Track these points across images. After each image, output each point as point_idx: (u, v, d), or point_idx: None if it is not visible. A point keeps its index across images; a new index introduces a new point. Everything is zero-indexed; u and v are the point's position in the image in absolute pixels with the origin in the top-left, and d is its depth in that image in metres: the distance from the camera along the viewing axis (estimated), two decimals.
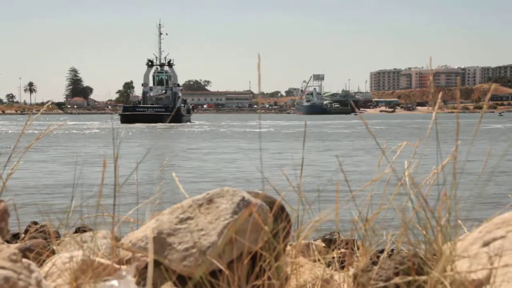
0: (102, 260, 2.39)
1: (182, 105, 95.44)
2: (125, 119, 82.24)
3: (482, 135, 47.55)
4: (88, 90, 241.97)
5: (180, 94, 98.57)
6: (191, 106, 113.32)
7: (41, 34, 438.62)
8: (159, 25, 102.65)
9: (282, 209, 2.68)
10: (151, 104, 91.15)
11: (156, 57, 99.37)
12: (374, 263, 2.11)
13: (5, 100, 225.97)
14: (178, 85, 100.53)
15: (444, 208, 1.79)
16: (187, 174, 18.93)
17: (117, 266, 2.37)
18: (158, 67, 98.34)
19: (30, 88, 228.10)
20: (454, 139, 2.08)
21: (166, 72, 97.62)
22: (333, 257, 3.09)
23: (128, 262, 2.56)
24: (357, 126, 71.98)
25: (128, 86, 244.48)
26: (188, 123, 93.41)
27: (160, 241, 2.24)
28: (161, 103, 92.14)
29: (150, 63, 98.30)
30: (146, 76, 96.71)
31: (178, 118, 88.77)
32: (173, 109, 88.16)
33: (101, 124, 79.71)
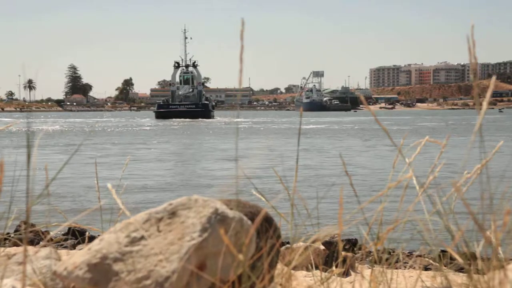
0: None
1: (207, 102, 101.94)
2: (160, 115, 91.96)
3: (503, 131, 45.49)
4: (88, 87, 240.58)
5: (204, 92, 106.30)
6: (214, 103, 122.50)
7: (40, 32, 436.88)
8: (184, 30, 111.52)
9: (269, 221, 2.13)
10: (179, 102, 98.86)
11: (182, 59, 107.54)
12: None
13: (4, 97, 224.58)
14: (203, 84, 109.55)
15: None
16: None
17: None
18: (184, 67, 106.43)
19: (30, 85, 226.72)
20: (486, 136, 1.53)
21: (192, 72, 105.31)
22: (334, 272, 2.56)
23: None
24: (401, 122, 68.34)
25: (127, 83, 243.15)
26: (215, 118, 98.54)
27: (104, 269, 1.68)
28: (188, 101, 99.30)
29: (176, 64, 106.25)
30: (173, 76, 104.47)
31: (207, 114, 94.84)
32: (201, 105, 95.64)
33: (151, 121, 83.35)
